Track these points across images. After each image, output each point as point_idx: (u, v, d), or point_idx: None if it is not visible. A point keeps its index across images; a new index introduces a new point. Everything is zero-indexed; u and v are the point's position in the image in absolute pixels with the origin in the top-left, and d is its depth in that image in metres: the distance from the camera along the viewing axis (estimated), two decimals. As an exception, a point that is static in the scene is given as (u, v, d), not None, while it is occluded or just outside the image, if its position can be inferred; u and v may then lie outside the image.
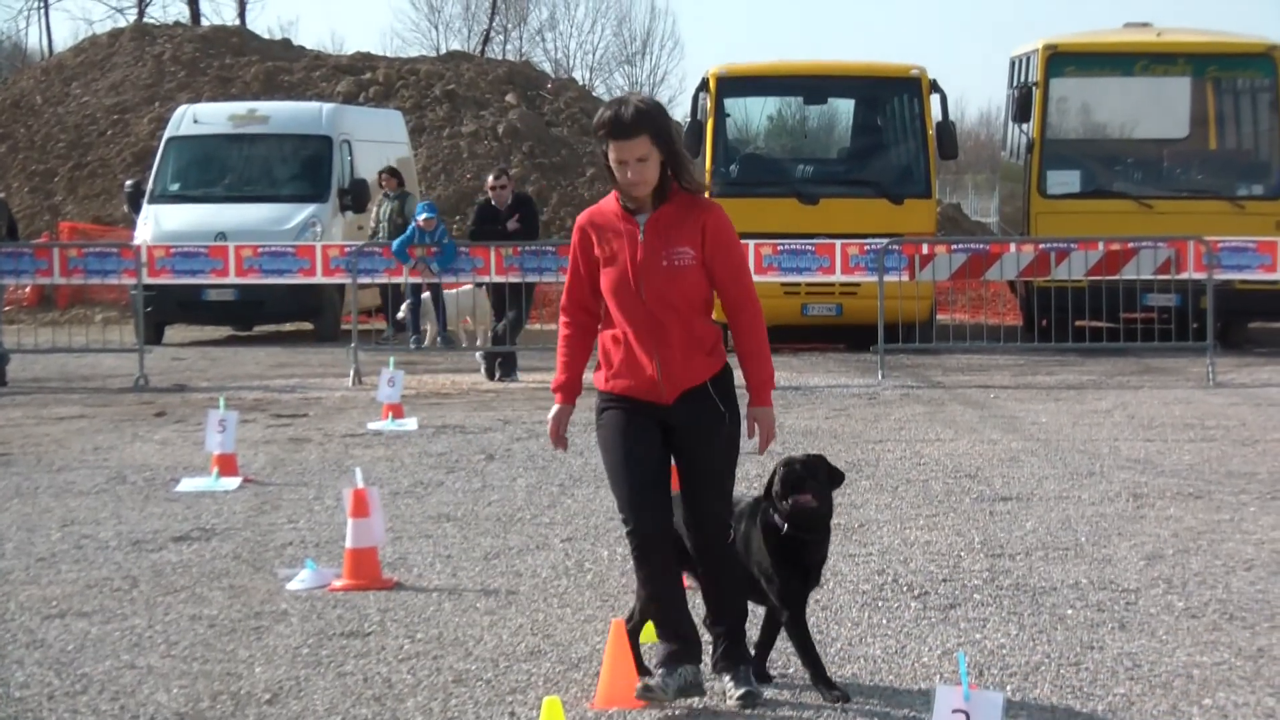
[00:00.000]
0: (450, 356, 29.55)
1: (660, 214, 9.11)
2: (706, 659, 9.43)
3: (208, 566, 13.12)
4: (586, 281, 9.33)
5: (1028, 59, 32.63)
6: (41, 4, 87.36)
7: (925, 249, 27.07)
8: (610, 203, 9.33)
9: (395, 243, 28.04)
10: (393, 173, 33.42)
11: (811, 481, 9.33)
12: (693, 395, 9.24)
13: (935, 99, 30.57)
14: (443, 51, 69.70)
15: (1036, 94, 31.04)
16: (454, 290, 30.32)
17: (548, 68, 70.60)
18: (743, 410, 9.48)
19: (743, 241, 24.53)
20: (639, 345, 9.16)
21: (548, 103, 49.97)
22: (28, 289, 33.69)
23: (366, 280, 28.64)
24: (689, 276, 9.09)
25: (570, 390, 9.47)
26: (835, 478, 9.61)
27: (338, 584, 12.28)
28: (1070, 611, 11.40)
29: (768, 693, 9.47)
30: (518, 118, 47.93)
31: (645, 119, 8.93)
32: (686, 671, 9.13)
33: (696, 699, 9.25)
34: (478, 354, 27.63)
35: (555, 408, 9.50)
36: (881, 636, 10.81)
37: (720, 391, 9.34)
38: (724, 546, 9.35)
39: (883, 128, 32.14)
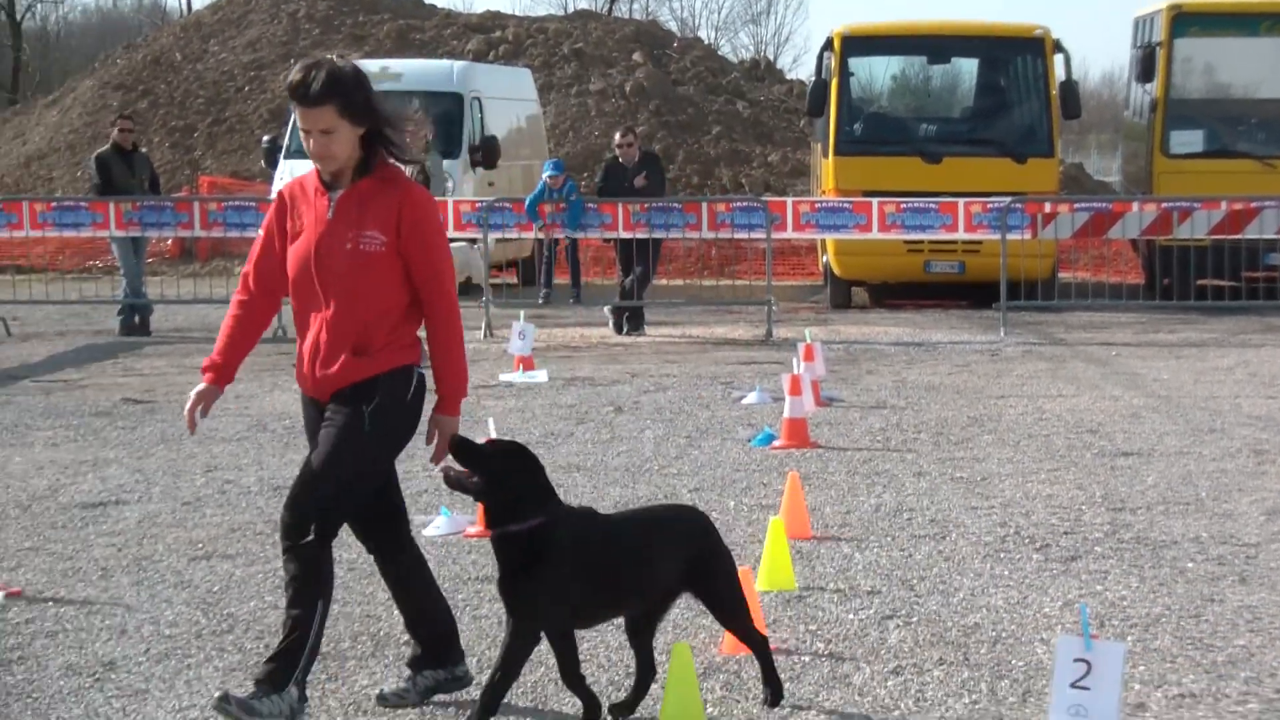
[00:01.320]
0: (579, 311, 29.58)
1: (355, 190, 8.08)
2: None
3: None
4: (278, 255, 8.27)
5: (1152, 19, 32.33)
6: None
7: (1048, 208, 26.86)
8: (313, 173, 8.22)
9: (528, 199, 28.21)
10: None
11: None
12: (340, 396, 8.17)
13: (1059, 59, 30.32)
14: (571, 10, 69.72)
15: (1160, 54, 30.73)
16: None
17: (674, 27, 70.63)
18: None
19: (865, 199, 23.81)
20: (307, 331, 8.26)
21: (674, 61, 49.88)
22: (169, 242, 33.95)
23: (499, 235, 28.79)
24: (373, 263, 8.03)
25: (221, 372, 8.42)
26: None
27: (471, 531, 12.41)
28: (1191, 565, 11.40)
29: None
30: (644, 76, 47.85)
31: (334, 86, 7.90)
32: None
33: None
34: (606, 308, 27.61)
35: (200, 386, 8.39)
36: (1003, 587, 10.84)
37: (367, 392, 8.12)
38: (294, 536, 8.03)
39: (1006, 87, 31.88)
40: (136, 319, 26.73)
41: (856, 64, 31.29)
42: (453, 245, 29.42)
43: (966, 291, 29.80)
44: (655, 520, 8.63)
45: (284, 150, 34.04)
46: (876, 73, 33.72)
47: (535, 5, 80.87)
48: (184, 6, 78.01)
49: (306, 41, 49.17)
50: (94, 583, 11.08)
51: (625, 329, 26.73)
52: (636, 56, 49.00)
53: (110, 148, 27.66)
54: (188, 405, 8.32)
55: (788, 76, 53.23)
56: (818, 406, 17.48)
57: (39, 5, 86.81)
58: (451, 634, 8.53)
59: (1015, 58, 31.40)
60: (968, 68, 33.69)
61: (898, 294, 30.57)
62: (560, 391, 20.00)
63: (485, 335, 25.59)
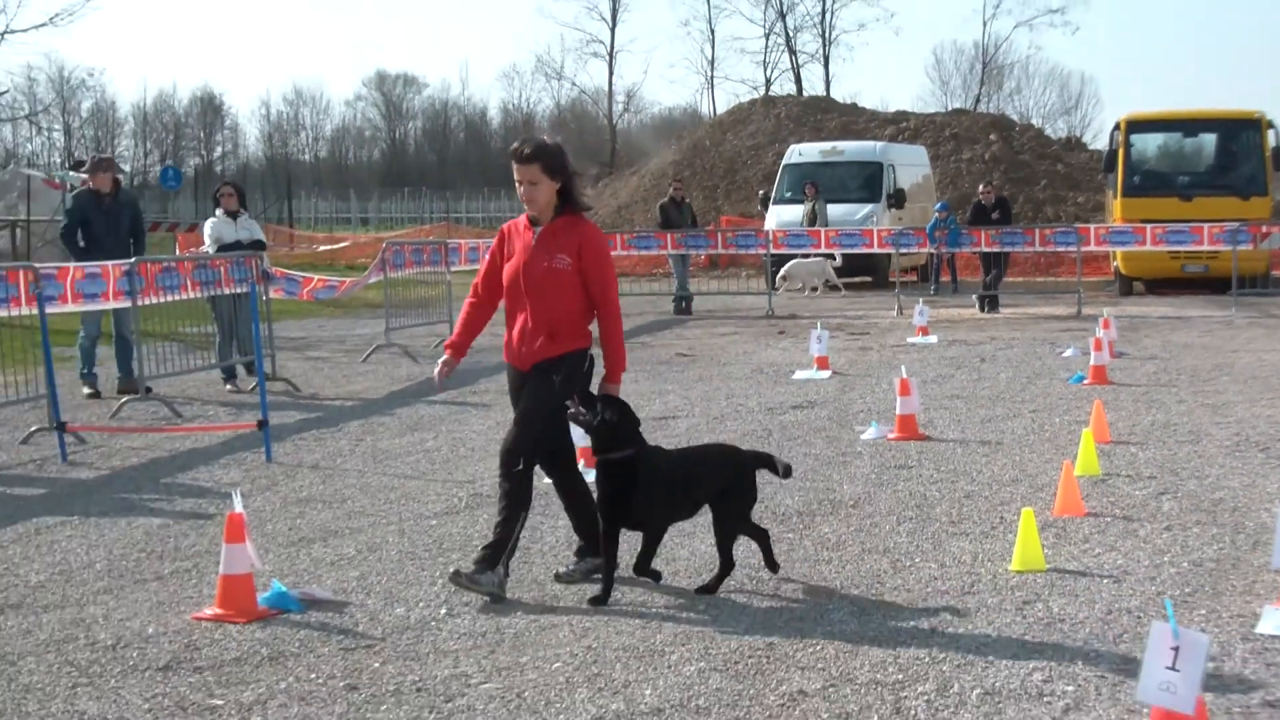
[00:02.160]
0: (957, 297, 29.20)
1: (551, 227, 7.65)
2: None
3: (812, 424, 13.24)
4: (498, 272, 7.83)
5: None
6: (709, 85, 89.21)
7: (1264, 229, 26.22)
8: (524, 216, 7.83)
9: (927, 227, 28.20)
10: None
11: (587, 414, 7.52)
12: (538, 368, 7.67)
13: (1271, 133, 29.31)
14: (949, 109, 68.67)
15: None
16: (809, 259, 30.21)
17: (1015, 116, 68.66)
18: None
19: (1142, 224, 23.12)
20: (515, 322, 7.76)
21: (1016, 139, 48.76)
22: (703, 257, 34.25)
23: (905, 250, 28.60)
24: (563, 279, 7.60)
25: (458, 349, 8.01)
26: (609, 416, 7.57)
27: (892, 436, 12.27)
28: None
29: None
30: (997, 149, 46.95)
31: (538, 154, 7.54)
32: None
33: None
34: (974, 296, 27.28)
35: (444, 357, 7.98)
36: (1239, 475, 10.36)
37: (556, 366, 7.67)
38: (509, 465, 7.61)
39: (1235, 150, 30.73)
40: (684, 304, 27.08)
41: (1135, 138, 30.43)
42: (812, 259, 29.66)
43: (1209, 284, 28.82)
44: (703, 456, 7.99)
45: (771, 199, 34.34)
46: (1149, 143, 32.63)
47: (927, 105, 79.13)
48: (712, 111, 78.51)
49: (785, 132, 49.14)
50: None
51: (986, 309, 26.23)
52: (992, 136, 47.98)
53: (669, 207, 28.10)
54: (436, 369, 7.95)
55: (1090, 146, 51.61)
56: (1112, 358, 16.97)
57: (625, 115, 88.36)
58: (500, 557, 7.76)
59: (1241, 131, 30.38)
60: (1209, 138, 32.47)
61: (1163, 286, 29.62)
62: (945, 349, 19.69)
63: (897, 314, 25.36)
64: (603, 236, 7.88)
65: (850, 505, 9.66)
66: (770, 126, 50.90)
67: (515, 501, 7.59)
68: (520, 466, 7.59)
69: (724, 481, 7.68)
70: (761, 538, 7.85)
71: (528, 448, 7.63)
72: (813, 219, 31.28)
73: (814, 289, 31.02)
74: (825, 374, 16.79)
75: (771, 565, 7.85)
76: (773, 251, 28.28)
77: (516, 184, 7.64)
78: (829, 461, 11.29)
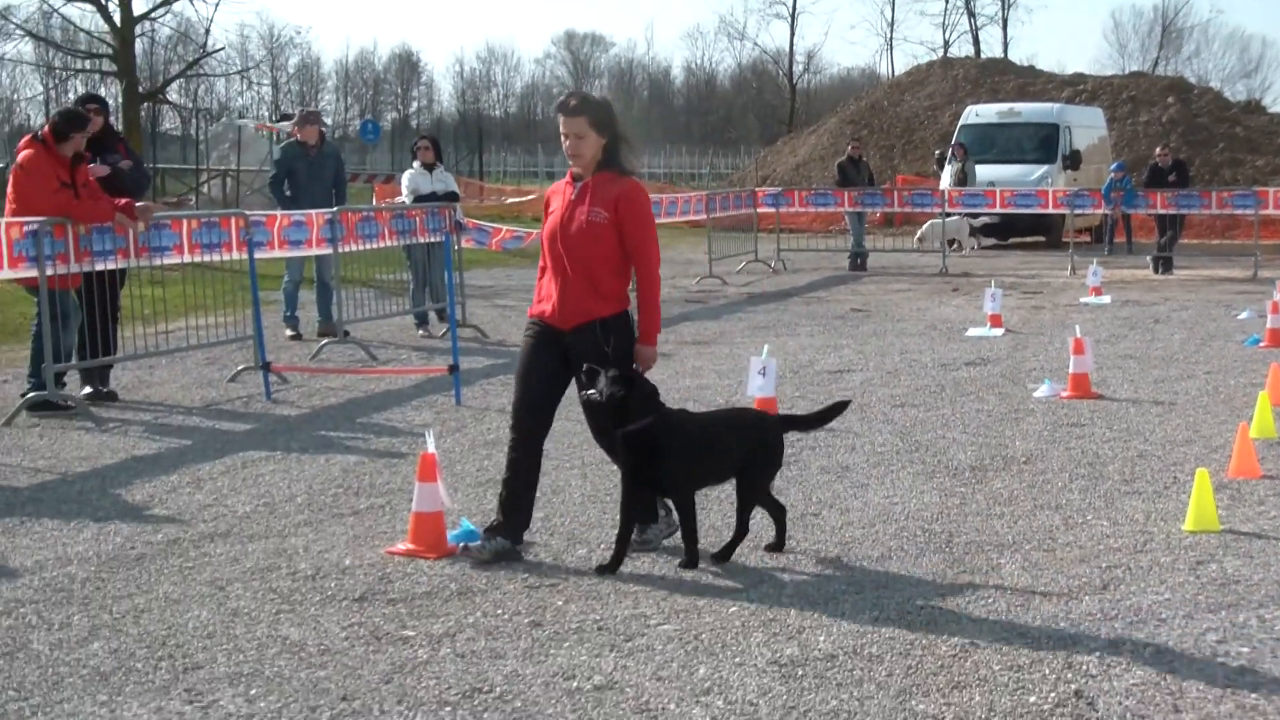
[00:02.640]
0: (1130, 258, 28.39)
1: (591, 181, 7.18)
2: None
3: (985, 381, 13.03)
4: None
5: None
6: (888, 46, 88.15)
7: None
8: (569, 174, 7.38)
9: (1102, 188, 27.54)
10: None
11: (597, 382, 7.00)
12: (583, 329, 7.19)
13: None
14: (1126, 71, 67.01)
15: None
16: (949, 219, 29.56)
17: (1193, 79, 66.68)
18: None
19: None
20: (552, 280, 7.28)
21: (1194, 101, 47.31)
22: (878, 214, 33.82)
23: (1079, 211, 28.02)
24: (599, 232, 7.12)
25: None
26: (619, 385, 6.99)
27: (1064, 394, 12.02)
28: None
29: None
30: (1175, 112, 45.67)
31: (586, 107, 7.14)
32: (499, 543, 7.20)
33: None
34: (1147, 257, 26.61)
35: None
36: None
37: (606, 328, 7.21)
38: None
39: None
40: (859, 260, 26.80)
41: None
42: (951, 218, 29.01)
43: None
44: (729, 420, 7.57)
45: (947, 159, 33.89)
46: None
47: (1104, 68, 77.40)
48: (890, 72, 77.61)
49: (962, 93, 48.33)
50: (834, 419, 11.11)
51: (1160, 270, 25.60)
52: (1170, 99, 46.65)
53: (845, 158, 27.92)
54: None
55: (1270, 110, 49.97)
56: (1288, 321, 16.42)
57: (804, 75, 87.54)
58: (654, 506, 7.48)
59: None
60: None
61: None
62: (1119, 309, 19.23)
63: (1070, 274, 24.82)
64: (643, 193, 7.39)
65: (1022, 461, 9.48)
66: (947, 88, 50.10)
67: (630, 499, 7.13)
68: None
69: (750, 447, 7.17)
70: (779, 514, 7.33)
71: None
72: (962, 180, 30.74)
73: (958, 247, 30.47)
74: (999, 331, 16.50)
75: (778, 545, 7.30)
76: (948, 210, 27.86)
77: (562, 138, 7.26)
78: (1001, 418, 11.10)
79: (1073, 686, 5.39)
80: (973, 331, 16.60)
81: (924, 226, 30.27)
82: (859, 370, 13.68)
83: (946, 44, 78.75)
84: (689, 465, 7.02)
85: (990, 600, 6.45)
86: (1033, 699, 5.29)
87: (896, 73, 69.43)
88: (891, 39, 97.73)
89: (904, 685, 5.42)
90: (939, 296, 21.29)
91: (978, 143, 34.23)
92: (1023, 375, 13.30)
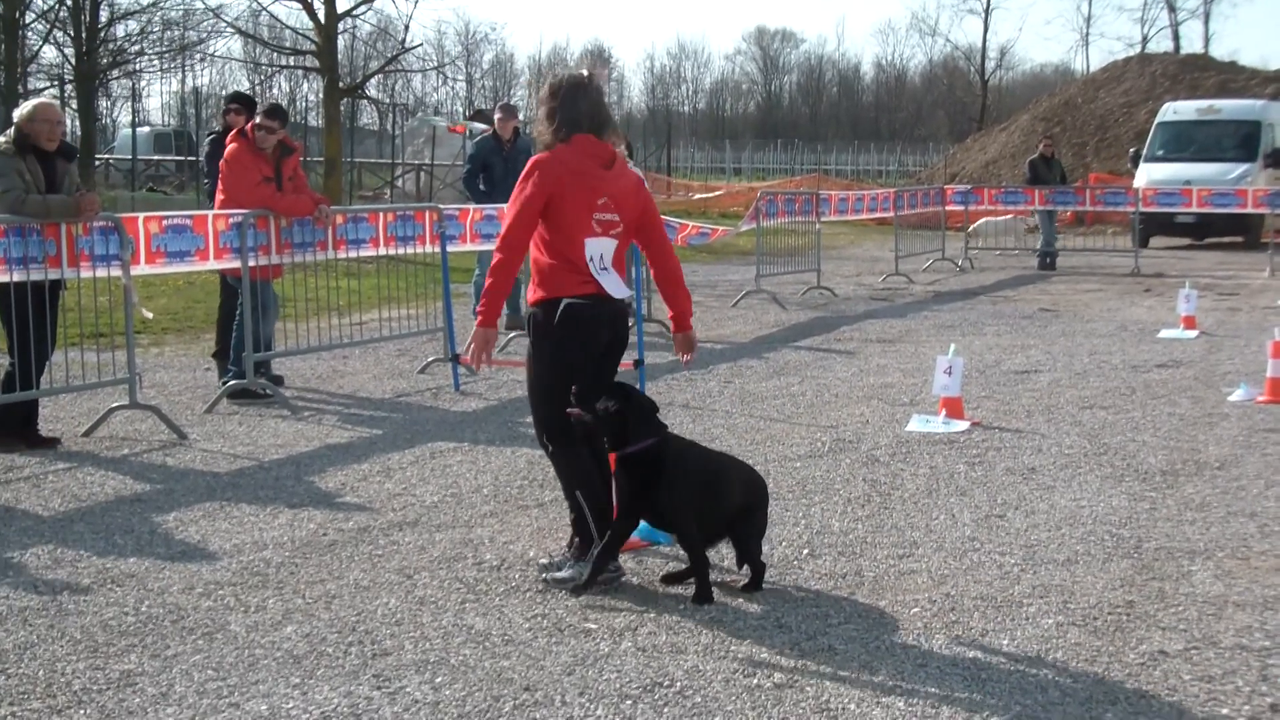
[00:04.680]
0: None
1: None
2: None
3: (1177, 383, 12.70)
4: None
5: None
6: (1084, 42, 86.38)
7: None
8: None
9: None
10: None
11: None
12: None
13: None
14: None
15: None
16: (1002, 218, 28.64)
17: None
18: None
19: None
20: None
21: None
22: (1069, 213, 33.09)
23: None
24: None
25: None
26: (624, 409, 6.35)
27: (1261, 399, 11.65)
28: None
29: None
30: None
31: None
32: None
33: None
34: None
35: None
36: None
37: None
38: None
39: None
40: (1049, 260, 26.29)
41: None
42: (1006, 218, 28.01)
43: None
44: (732, 463, 6.76)
45: (1143, 157, 33.18)
46: None
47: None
48: (1085, 69, 76.13)
49: (1160, 90, 47.15)
50: (1021, 419, 10.90)
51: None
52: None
53: (1037, 156, 27.46)
54: None
55: None
56: None
57: (996, 71, 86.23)
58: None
59: None
60: None
61: None
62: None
63: (1270, 275, 24.07)
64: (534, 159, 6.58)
65: (1215, 467, 9.21)
66: (1144, 84, 48.90)
67: (568, 482, 6.71)
68: (550, 448, 6.69)
69: (751, 499, 6.58)
70: (759, 572, 6.58)
71: (538, 428, 6.75)
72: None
73: (1007, 248, 29.63)
74: (1192, 334, 16.07)
75: (753, 585, 6.53)
76: (1142, 209, 27.18)
77: None
78: (1194, 422, 10.80)
79: (1268, 700, 5.23)
80: (1165, 333, 16.19)
81: (978, 223, 29.49)
82: (1046, 371, 13.42)
83: (1144, 39, 76.94)
84: (692, 494, 6.37)
85: (1180, 608, 6.28)
86: (1225, 711, 5.14)
87: (1092, 69, 68.08)
88: (1088, 34, 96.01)
89: (1090, 693, 5.30)
90: (1130, 297, 20.80)
91: (1175, 140, 33.39)
92: (1217, 379, 12.93)
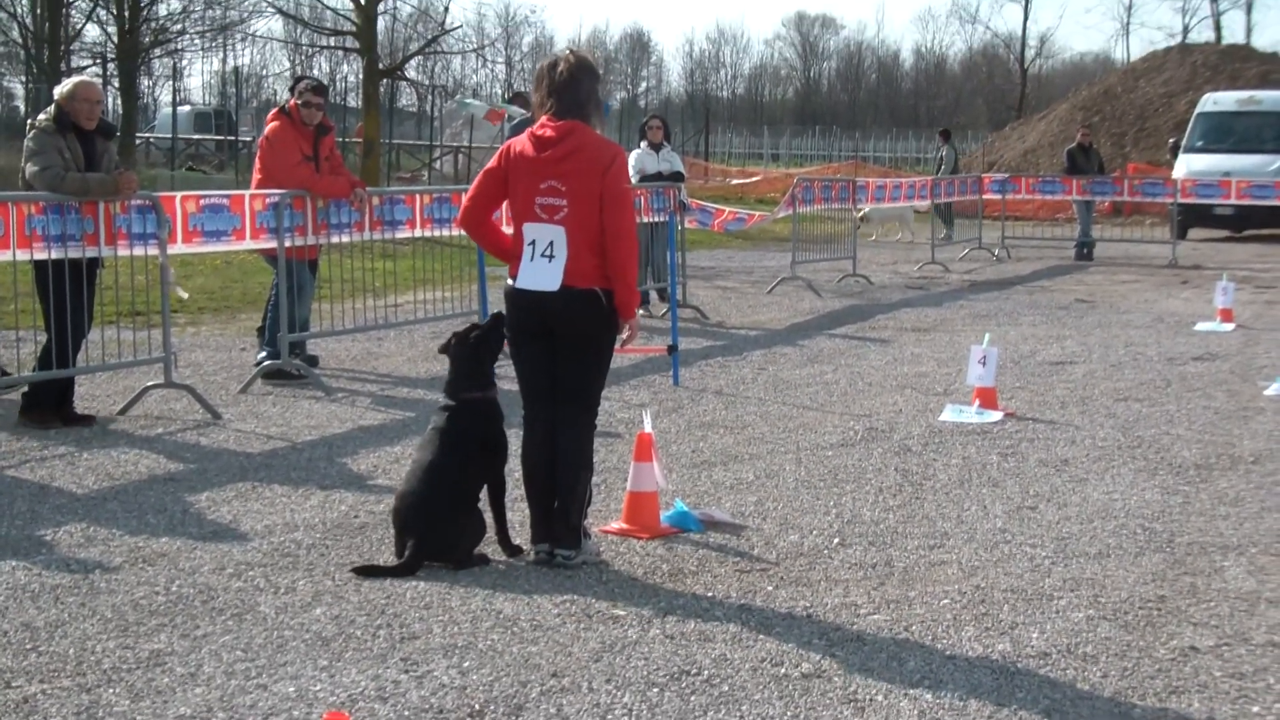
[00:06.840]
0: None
1: None
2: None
3: (1213, 377, 12.60)
4: None
5: None
6: (1124, 31, 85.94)
7: None
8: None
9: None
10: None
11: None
12: None
13: None
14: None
15: None
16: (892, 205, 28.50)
17: None
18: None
19: None
20: None
21: None
22: (1107, 204, 32.90)
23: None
24: None
25: None
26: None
27: (1297, 393, 11.58)
28: None
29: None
30: None
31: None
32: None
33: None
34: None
35: None
36: None
37: None
38: None
39: None
40: (1086, 250, 26.12)
41: None
42: (896, 205, 27.60)
43: None
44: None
45: (1182, 148, 32.97)
46: None
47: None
48: (1126, 58, 75.61)
49: (1200, 80, 46.76)
50: (1055, 410, 10.86)
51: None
52: None
53: (1075, 146, 27.29)
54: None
55: None
56: None
57: (1036, 60, 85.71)
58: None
59: None
60: None
61: None
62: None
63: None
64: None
65: (1250, 461, 9.13)
66: (1185, 75, 48.52)
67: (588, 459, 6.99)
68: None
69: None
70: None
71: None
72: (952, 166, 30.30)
73: (899, 236, 29.33)
74: (1229, 327, 15.95)
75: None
76: (1180, 200, 26.94)
77: None
78: (1229, 416, 10.71)
79: (1298, 699, 5.17)
80: (1202, 326, 16.06)
81: (865, 209, 28.88)
82: (1081, 362, 13.33)
83: (1186, 29, 76.46)
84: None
85: (1212, 604, 6.23)
86: (1255, 709, 5.09)
87: (1132, 58, 67.55)
88: (1128, 24, 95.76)
89: (1119, 687, 5.26)
90: (1167, 289, 20.66)
91: (1214, 131, 33.15)
92: (1253, 372, 12.82)
